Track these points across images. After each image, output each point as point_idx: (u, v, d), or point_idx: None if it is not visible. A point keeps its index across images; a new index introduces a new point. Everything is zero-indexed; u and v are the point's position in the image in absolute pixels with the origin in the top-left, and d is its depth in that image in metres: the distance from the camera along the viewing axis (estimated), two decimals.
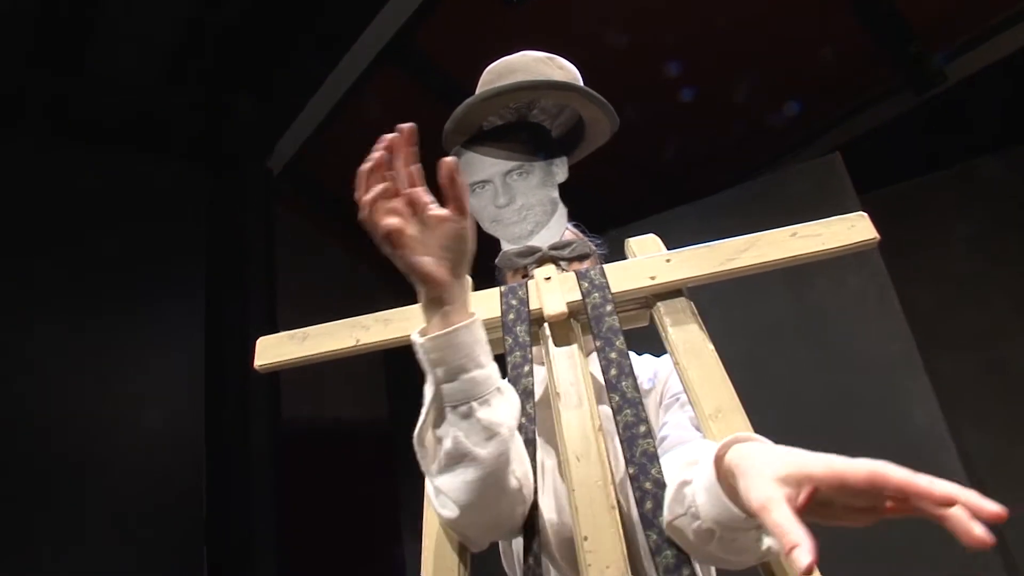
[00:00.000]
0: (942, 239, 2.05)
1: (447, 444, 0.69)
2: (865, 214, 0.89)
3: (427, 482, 0.75)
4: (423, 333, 0.69)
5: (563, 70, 1.04)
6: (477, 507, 0.71)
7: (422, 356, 0.68)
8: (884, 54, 3.11)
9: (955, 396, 1.92)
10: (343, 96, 3.04)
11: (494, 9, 2.78)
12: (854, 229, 0.88)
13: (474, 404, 0.68)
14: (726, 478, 0.61)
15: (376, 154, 0.67)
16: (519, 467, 0.74)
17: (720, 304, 1.54)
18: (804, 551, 0.43)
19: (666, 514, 0.73)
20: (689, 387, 0.84)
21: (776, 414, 1.76)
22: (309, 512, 2.85)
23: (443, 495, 0.72)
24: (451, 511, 0.72)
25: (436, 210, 0.67)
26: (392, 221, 0.66)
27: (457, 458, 0.69)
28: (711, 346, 0.85)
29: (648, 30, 2.80)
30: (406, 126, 0.68)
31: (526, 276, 0.95)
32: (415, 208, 0.67)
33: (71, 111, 2.82)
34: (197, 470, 2.43)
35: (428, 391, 0.70)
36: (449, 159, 0.67)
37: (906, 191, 2.16)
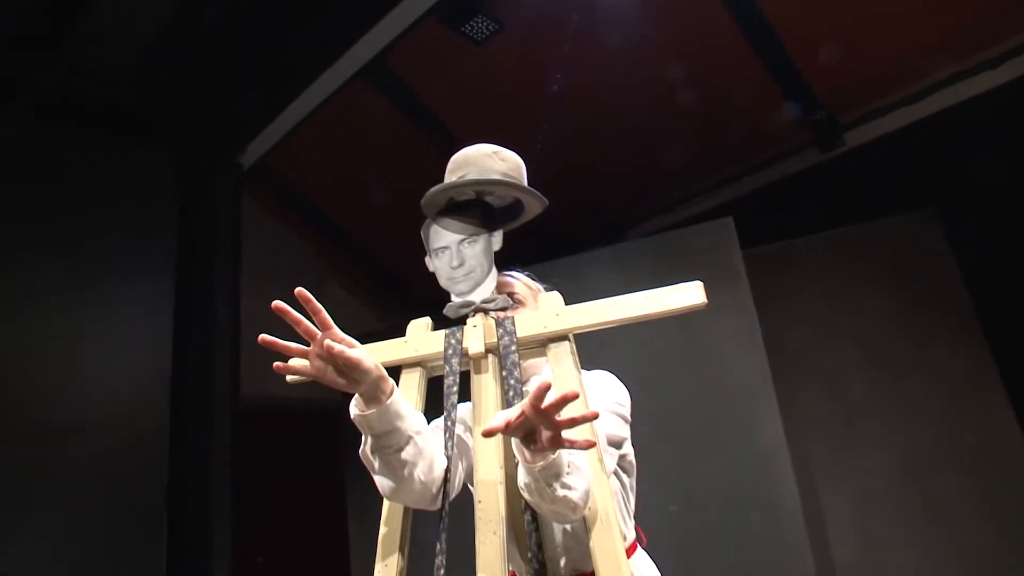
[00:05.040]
0: (808, 292, 2.54)
1: (377, 464, 1.07)
2: (700, 283, 1.11)
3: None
4: (360, 408, 1.01)
5: (506, 162, 1.30)
6: (395, 495, 1.10)
7: (360, 422, 1.02)
8: (792, 117, 3.59)
9: (802, 417, 2.42)
10: (318, 105, 3.31)
11: (461, 45, 3.12)
12: (691, 294, 1.12)
13: (388, 449, 1.04)
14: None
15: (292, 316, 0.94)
16: (423, 475, 1.08)
17: (621, 333, 1.92)
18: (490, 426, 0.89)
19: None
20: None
21: (658, 423, 2.22)
22: (263, 484, 3.12)
23: (377, 483, 1.11)
24: (383, 491, 1.11)
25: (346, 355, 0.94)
26: (319, 368, 0.97)
27: (380, 472, 1.08)
28: (579, 379, 1.15)
29: (589, 81, 3.19)
30: (298, 291, 0.94)
31: (464, 322, 1.25)
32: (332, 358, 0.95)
33: (52, 94, 2.98)
34: (160, 441, 2.69)
35: (366, 433, 1.05)
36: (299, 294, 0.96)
37: (784, 249, 2.64)
